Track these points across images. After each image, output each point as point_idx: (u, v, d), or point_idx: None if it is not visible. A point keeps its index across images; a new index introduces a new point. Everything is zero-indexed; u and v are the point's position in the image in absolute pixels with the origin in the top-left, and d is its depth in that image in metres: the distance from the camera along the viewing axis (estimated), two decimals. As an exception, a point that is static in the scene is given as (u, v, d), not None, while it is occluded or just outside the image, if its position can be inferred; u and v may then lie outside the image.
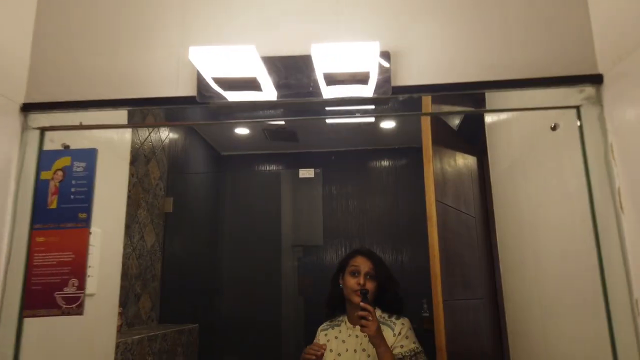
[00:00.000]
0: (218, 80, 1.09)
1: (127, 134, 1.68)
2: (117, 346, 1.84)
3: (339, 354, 1.59)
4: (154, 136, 2.68)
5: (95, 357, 1.40)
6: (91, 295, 1.36)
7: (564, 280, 1.23)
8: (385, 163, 3.60)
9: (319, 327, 1.72)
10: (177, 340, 2.50)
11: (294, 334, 3.09)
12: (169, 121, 1.66)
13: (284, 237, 3.21)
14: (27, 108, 1.18)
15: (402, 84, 1.14)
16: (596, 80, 1.09)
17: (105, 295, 1.44)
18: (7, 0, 1.16)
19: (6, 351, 1.08)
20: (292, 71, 1.12)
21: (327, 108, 1.21)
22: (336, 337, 1.63)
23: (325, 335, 1.66)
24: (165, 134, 2.88)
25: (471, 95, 1.51)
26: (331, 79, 1.09)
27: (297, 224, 3.32)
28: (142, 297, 2.51)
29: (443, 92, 1.16)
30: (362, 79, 1.08)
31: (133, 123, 1.31)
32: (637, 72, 0.96)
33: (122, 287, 2.27)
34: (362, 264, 1.64)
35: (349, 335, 1.62)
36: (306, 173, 3.14)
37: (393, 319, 1.62)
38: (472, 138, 2.64)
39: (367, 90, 1.12)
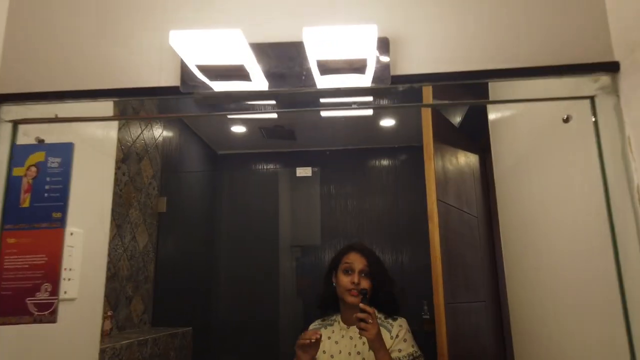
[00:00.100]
0: (203, 68, 1.00)
1: (113, 130, 1.61)
2: (104, 352, 1.77)
3: (332, 356, 1.51)
4: (146, 134, 2.61)
5: (76, 365, 1.33)
6: (72, 299, 1.29)
7: (574, 282, 1.16)
8: (384, 162, 3.60)
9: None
10: (170, 344, 2.42)
11: (292, 336, 3.02)
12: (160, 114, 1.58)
13: (282, 237, 3.17)
14: (-1, 99, 1.10)
15: (402, 73, 1.06)
16: (612, 68, 1.01)
17: (87, 299, 1.36)
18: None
19: (-26, 361, 1.00)
20: (283, 59, 1.04)
21: (321, 100, 1.13)
22: (329, 338, 1.55)
23: None
24: (159, 132, 2.81)
25: (475, 88, 1.43)
26: (325, 67, 1.01)
27: (295, 224, 3.29)
28: (133, 299, 2.44)
29: (446, 81, 1.07)
30: (358, 67, 1.00)
31: (113, 116, 1.23)
32: (658, 58, 0.88)
33: (113, 289, 2.21)
34: (356, 261, 1.56)
35: (342, 336, 1.54)
36: (303, 172, 3.08)
37: (390, 320, 1.54)
38: (474, 135, 2.58)
39: (364, 80, 1.04)
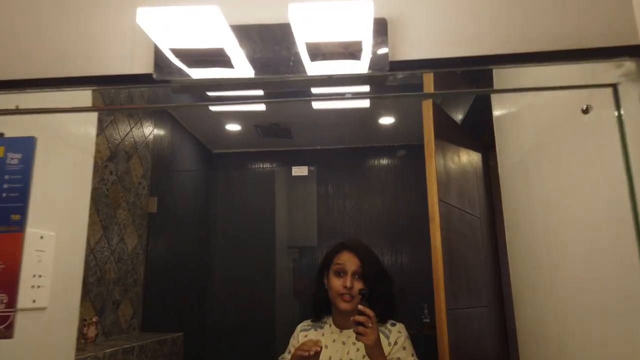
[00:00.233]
0: (178, 52, 0.89)
1: (91, 125, 1.50)
2: (85, 362, 1.66)
3: None
4: (136, 132, 2.51)
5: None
6: (41, 309, 1.18)
7: (591, 282, 1.05)
8: (384, 161, 3.56)
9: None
10: (158, 351, 2.31)
11: (289, 339, 2.92)
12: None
13: (278, 238, 3.09)
14: (-46, 89, 0.99)
15: (402, 59, 0.95)
16: (637, 52, 0.90)
17: (60, 307, 1.25)
18: None
19: None
20: (268, 42, 0.93)
21: (313, 89, 1.02)
22: None
23: (306, 336, 1.46)
24: (149, 130, 2.71)
25: (480, 79, 1.33)
26: (316, 52, 0.90)
27: (292, 224, 3.21)
28: (122, 303, 2.33)
29: (450, 67, 0.96)
30: (353, 51, 0.89)
31: (80, 107, 1.12)
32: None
33: (99, 294, 2.10)
34: (348, 262, 1.43)
35: (334, 341, 1.42)
36: (299, 171, 2.98)
37: (388, 325, 1.42)
38: (477, 132, 2.48)
39: (360, 66, 0.93)
